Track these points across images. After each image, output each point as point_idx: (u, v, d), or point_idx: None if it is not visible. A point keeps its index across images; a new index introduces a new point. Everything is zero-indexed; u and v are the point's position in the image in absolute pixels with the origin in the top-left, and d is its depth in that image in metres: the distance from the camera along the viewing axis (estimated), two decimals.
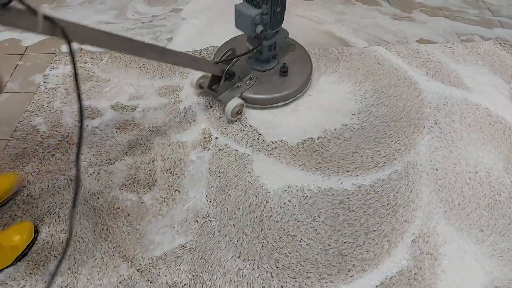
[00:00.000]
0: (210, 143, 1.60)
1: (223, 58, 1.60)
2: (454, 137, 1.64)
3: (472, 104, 1.79)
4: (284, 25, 1.65)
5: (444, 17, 2.33)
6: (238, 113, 1.66)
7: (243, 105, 1.66)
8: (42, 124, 1.65)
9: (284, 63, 1.76)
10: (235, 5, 1.54)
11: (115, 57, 1.97)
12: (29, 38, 2.10)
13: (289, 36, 1.76)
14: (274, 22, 1.59)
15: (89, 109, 1.70)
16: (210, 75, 1.64)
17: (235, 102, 1.61)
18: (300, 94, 1.77)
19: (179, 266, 1.24)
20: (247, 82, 1.69)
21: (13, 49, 2.03)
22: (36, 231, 1.30)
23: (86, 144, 1.57)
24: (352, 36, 2.18)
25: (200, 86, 1.73)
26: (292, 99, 1.75)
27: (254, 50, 1.65)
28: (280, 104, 1.72)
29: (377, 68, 1.95)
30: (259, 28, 1.55)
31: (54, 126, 1.65)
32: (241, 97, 1.66)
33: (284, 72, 1.74)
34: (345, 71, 1.93)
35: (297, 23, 2.25)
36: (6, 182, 1.35)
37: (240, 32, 1.65)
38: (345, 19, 2.30)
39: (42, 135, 1.61)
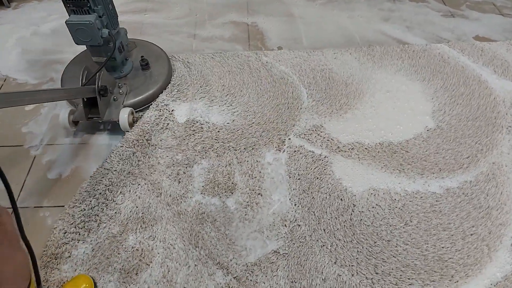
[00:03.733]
0: (285, 144, 1.55)
1: (83, 80, 1.45)
2: None
3: None
4: (327, 26, 1.60)
5: (500, 14, 2.27)
6: (134, 121, 1.59)
7: (133, 112, 1.60)
8: None
9: (141, 56, 1.73)
10: (66, 22, 1.42)
11: None
12: None
13: (342, 37, 1.70)
14: (113, 20, 1.54)
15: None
16: (78, 108, 1.55)
17: (125, 113, 1.53)
18: (172, 77, 1.77)
19: (275, 272, 1.20)
20: (120, 91, 1.62)
21: None
22: (95, 285, 1.17)
23: (165, 147, 1.53)
24: (408, 35, 2.13)
25: (75, 123, 1.59)
26: (171, 83, 1.74)
27: (110, 57, 1.55)
28: (164, 92, 1.71)
29: (443, 65, 1.90)
30: (105, 31, 1.47)
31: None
32: (126, 106, 1.58)
33: (145, 64, 1.72)
34: (410, 68, 1.88)
35: (343, 23, 2.20)
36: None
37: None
38: (394, 16, 2.24)
39: None
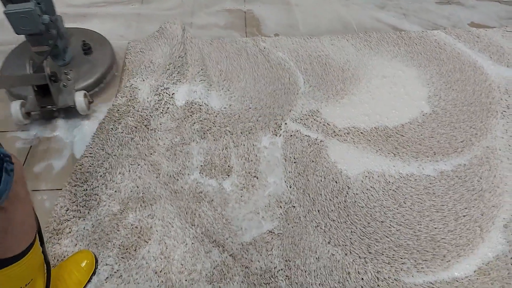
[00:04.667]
0: (281, 129, 1.57)
1: (30, 68, 1.42)
2: None
3: None
4: (323, 14, 1.60)
5: (495, 1, 2.28)
6: (90, 103, 1.60)
7: (87, 94, 1.59)
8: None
9: (83, 41, 1.72)
10: (5, 12, 1.37)
11: None
12: None
13: (339, 24, 1.70)
14: (50, 6, 1.52)
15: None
16: (28, 100, 1.53)
17: (80, 96, 1.53)
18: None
19: (270, 251, 1.23)
20: (68, 77, 1.62)
21: None
22: (96, 261, 1.19)
23: (164, 130, 1.55)
24: (404, 22, 2.14)
25: (28, 114, 1.55)
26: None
27: (55, 43, 1.54)
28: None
29: (439, 52, 1.91)
30: (46, 18, 1.42)
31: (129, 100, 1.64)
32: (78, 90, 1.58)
33: (88, 49, 1.72)
34: (407, 54, 1.90)
35: (339, 10, 2.20)
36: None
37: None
38: (390, 4, 2.25)
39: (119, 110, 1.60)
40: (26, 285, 0.88)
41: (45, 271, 0.97)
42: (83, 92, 1.56)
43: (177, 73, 1.74)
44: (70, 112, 1.60)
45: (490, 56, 1.89)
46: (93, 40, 1.81)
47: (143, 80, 1.71)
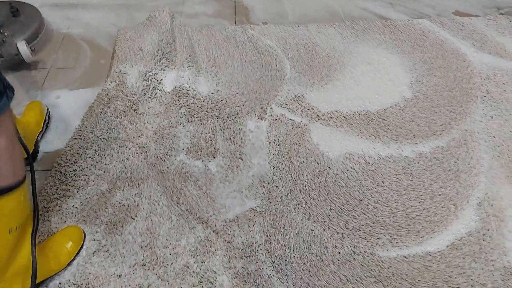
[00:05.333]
0: (266, 113, 1.62)
1: None
2: (508, 106, 1.65)
3: None
4: (311, 3, 1.64)
5: None
6: (33, 51, 1.71)
7: (27, 44, 1.67)
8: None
9: (9, 3, 1.82)
10: None
11: None
12: None
13: (327, 13, 1.73)
14: None
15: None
16: None
17: (22, 44, 1.65)
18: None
19: (252, 227, 1.28)
20: (5, 34, 1.67)
21: None
22: (84, 236, 1.26)
23: (153, 114, 1.60)
24: (390, 11, 2.18)
25: None
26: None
27: None
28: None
29: (423, 39, 1.95)
30: None
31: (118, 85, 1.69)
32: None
33: (16, 10, 1.81)
34: (392, 42, 1.94)
35: (325, 1, 2.24)
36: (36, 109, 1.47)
37: None
38: None
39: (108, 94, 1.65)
40: (16, 228, 0.94)
41: (34, 216, 1.03)
42: (23, 41, 1.66)
43: (166, 60, 1.78)
44: (17, 63, 1.72)
45: (473, 44, 1.94)
46: (19, 5, 1.90)
47: (132, 66, 1.76)
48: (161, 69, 1.75)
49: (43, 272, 1.11)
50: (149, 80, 1.71)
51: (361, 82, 1.75)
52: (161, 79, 1.72)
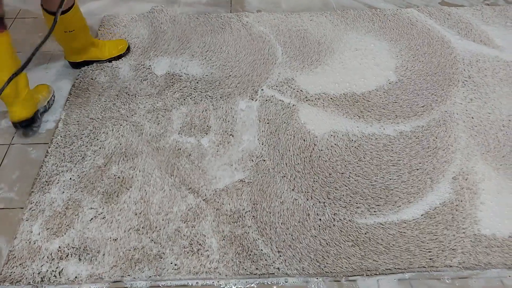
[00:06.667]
0: (257, 94, 1.70)
1: None
2: (487, 90, 1.74)
3: (503, 61, 1.88)
4: None
5: None
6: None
7: None
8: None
9: None
10: None
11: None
12: None
13: (319, 2, 1.79)
14: None
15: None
16: None
17: None
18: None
19: (240, 196, 1.37)
20: None
21: None
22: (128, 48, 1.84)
23: (145, 95, 1.69)
24: (380, 1, 2.26)
25: None
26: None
27: None
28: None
29: (411, 28, 2.03)
30: None
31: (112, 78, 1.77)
32: None
33: None
34: (380, 30, 2.02)
35: None
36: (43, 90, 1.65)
37: None
38: None
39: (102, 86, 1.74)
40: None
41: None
42: None
43: (155, 50, 1.88)
44: None
45: (458, 32, 2.02)
46: None
47: (122, 59, 1.87)
48: (148, 58, 1.86)
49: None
50: (139, 70, 1.81)
51: (348, 67, 1.84)
52: (153, 66, 1.82)
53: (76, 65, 1.82)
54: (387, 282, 1.18)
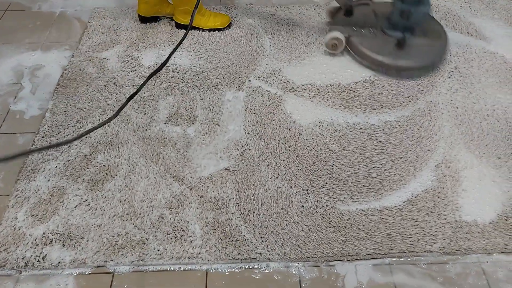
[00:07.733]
0: (244, 85, 1.72)
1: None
2: (473, 80, 1.75)
3: (489, 52, 1.89)
4: None
5: None
6: (333, 46, 1.78)
7: (341, 42, 1.76)
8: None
9: (407, 36, 1.74)
10: None
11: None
12: None
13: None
14: None
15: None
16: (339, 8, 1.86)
17: (333, 34, 1.75)
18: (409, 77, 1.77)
19: (225, 184, 1.38)
20: (363, 30, 1.79)
21: None
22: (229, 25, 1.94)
23: (132, 85, 1.70)
24: None
25: (330, 12, 1.95)
26: (385, 70, 1.77)
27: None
28: (375, 69, 1.79)
29: None
30: None
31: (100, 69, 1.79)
32: (347, 38, 1.78)
33: (399, 43, 1.73)
34: None
35: None
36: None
37: None
38: None
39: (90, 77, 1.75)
40: None
41: None
42: (339, 36, 1.78)
43: (142, 42, 1.89)
44: None
45: (446, 24, 2.03)
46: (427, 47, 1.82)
47: (107, 50, 1.88)
48: (136, 50, 1.86)
49: None
50: (127, 61, 1.82)
51: (335, 58, 1.85)
52: (138, 57, 1.83)
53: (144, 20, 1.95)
54: (364, 267, 1.20)
